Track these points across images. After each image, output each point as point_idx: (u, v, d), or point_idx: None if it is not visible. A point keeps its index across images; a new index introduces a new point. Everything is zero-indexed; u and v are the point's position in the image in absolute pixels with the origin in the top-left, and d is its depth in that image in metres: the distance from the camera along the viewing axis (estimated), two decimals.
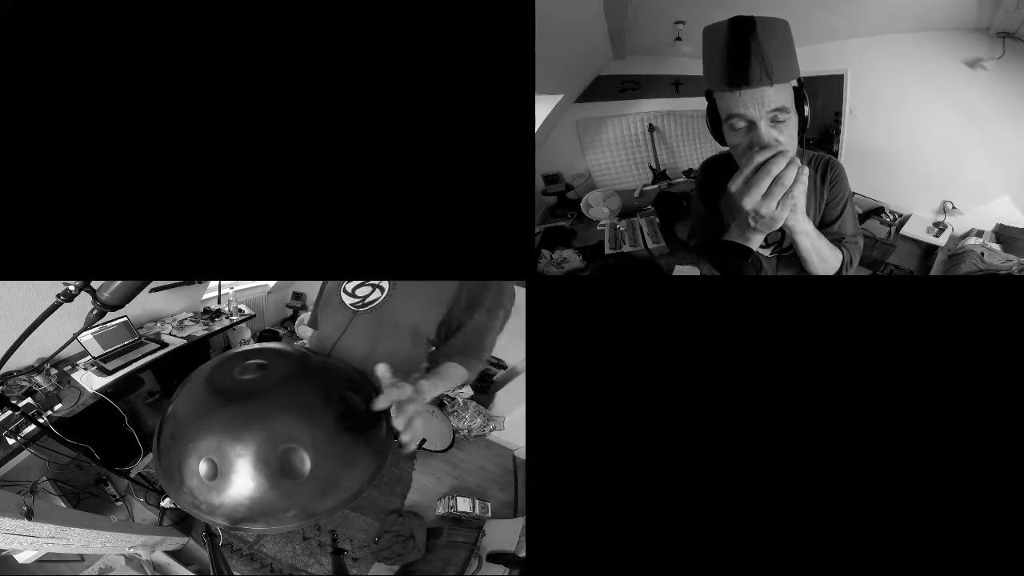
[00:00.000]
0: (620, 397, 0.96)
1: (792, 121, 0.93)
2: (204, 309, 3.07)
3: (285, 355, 0.84)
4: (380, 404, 0.73)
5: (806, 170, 0.86)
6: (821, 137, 2.14)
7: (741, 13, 0.91)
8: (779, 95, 0.90)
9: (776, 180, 0.84)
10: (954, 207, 2.02)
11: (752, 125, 0.92)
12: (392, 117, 0.95)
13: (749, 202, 0.86)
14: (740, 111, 0.91)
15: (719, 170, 1.07)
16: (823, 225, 1.06)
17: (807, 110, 0.94)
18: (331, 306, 1.04)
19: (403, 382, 0.75)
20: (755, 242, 0.97)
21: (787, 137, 0.93)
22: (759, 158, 0.86)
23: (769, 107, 0.90)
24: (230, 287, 3.31)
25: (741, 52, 0.87)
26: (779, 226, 0.90)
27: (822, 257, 1.01)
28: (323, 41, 0.94)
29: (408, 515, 2.54)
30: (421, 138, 0.95)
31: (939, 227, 2.03)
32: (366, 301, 0.99)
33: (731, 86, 0.89)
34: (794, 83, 0.93)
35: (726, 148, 1.08)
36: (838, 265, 1.03)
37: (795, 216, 0.91)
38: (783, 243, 1.08)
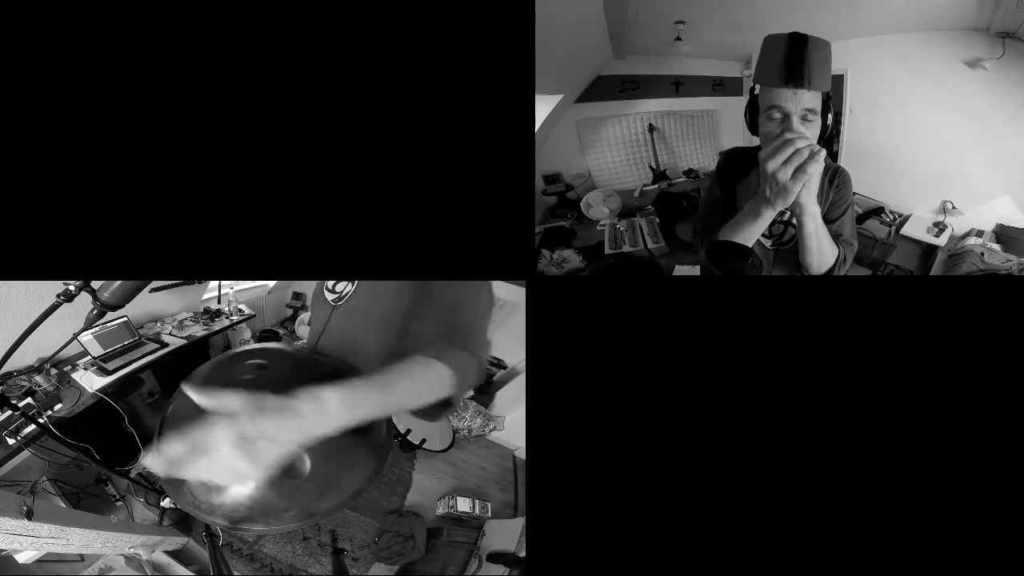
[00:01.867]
0: (620, 397, 0.96)
1: (817, 123, 1.12)
2: (204, 309, 3.07)
3: (285, 355, 0.84)
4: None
5: (823, 152, 1.02)
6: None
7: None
8: (812, 99, 1.11)
9: (796, 151, 1.01)
10: (954, 207, 2.02)
11: (786, 117, 1.10)
12: (392, 117, 0.95)
13: (771, 164, 1.02)
14: (781, 104, 1.11)
15: (741, 159, 1.25)
16: (825, 222, 1.14)
17: (830, 117, 1.13)
18: (317, 304, 1.05)
19: (228, 395, 0.54)
20: (765, 219, 1.10)
21: (811, 134, 1.10)
22: (788, 135, 1.03)
23: (804, 106, 1.10)
24: (230, 287, 3.31)
25: (797, 58, 1.10)
26: (791, 201, 1.04)
27: (821, 248, 1.12)
28: (323, 41, 0.94)
29: (408, 515, 2.55)
30: (421, 138, 0.95)
31: (939, 227, 2.03)
32: (342, 295, 0.99)
33: (785, 83, 1.10)
34: (823, 94, 1.12)
35: (730, 148, 1.17)
36: (833, 260, 1.15)
37: (808, 195, 1.05)
38: (784, 236, 1.20)
